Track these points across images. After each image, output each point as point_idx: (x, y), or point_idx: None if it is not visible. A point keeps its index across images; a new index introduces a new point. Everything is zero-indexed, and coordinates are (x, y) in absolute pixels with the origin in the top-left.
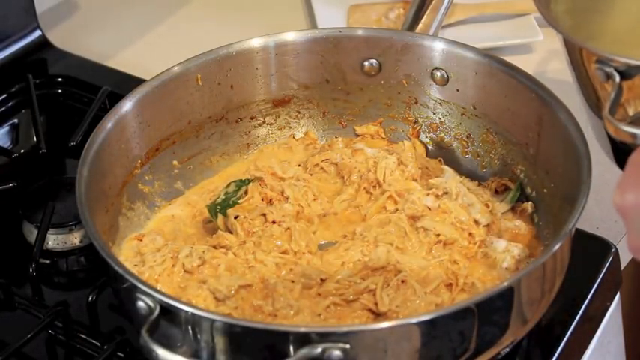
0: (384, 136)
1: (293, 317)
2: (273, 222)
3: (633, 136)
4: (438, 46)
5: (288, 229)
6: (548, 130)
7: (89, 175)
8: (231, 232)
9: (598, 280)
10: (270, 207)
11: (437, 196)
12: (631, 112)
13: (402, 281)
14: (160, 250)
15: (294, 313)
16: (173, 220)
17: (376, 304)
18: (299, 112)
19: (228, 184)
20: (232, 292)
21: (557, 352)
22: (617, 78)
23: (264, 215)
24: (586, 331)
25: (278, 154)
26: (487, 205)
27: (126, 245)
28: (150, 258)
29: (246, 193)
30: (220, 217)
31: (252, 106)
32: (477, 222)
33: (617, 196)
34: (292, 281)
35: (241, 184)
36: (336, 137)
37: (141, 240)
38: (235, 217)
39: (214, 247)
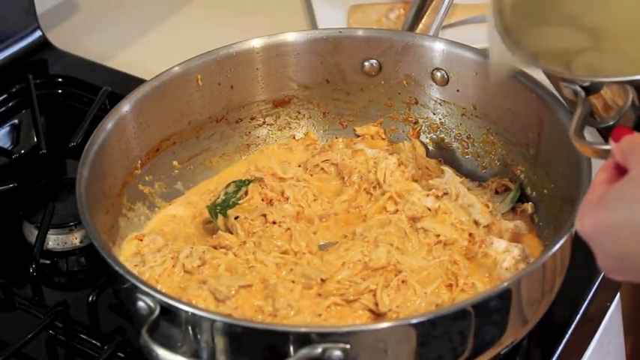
0: (384, 136)
1: (293, 317)
2: (274, 222)
3: (602, 152)
4: (439, 47)
5: (289, 229)
6: (548, 130)
7: (89, 175)
8: (231, 233)
9: (598, 281)
10: (271, 207)
11: (437, 197)
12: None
13: (403, 281)
14: (161, 250)
15: (294, 313)
16: (174, 220)
17: (376, 304)
18: (299, 113)
19: (228, 185)
20: (232, 292)
21: (557, 352)
22: (583, 94)
23: (264, 216)
24: (586, 332)
25: (278, 155)
26: (487, 206)
27: (126, 245)
28: (150, 258)
29: (246, 193)
30: (220, 217)
31: (253, 106)
32: (477, 222)
33: (577, 223)
34: (292, 281)
35: (241, 184)
36: (336, 138)
37: (141, 240)
38: (235, 218)
39: (214, 247)
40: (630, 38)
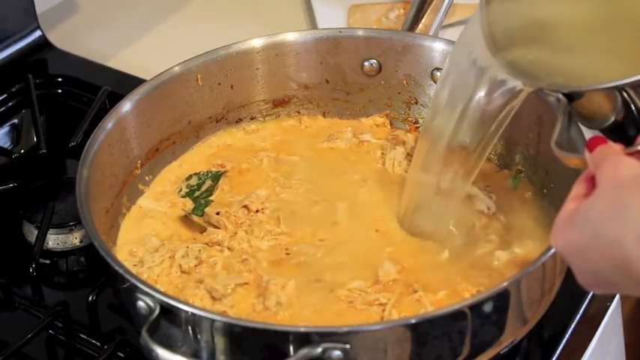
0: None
1: (282, 313)
2: (257, 211)
3: (584, 162)
4: (438, 47)
5: (274, 211)
6: (548, 130)
7: (89, 175)
8: (216, 227)
9: None
10: (249, 197)
11: None
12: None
13: (417, 300)
14: (158, 250)
15: (282, 310)
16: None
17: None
18: (299, 113)
19: (190, 177)
20: (229, 291)
21: (557, 352)
22: (565, 101)
23: (245, 207)
24: (586, 331)
25: None
26: (490, 197)
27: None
28: (148, 258)
29: (215, 187)
30: (198, 217)
31: (253, 106)
32: (482, 212)
33: (552, 240)
34: (287, 274)
35: (205, 177)
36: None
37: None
38: (217, 214)
39: (207, 244)
40: (607, 45)
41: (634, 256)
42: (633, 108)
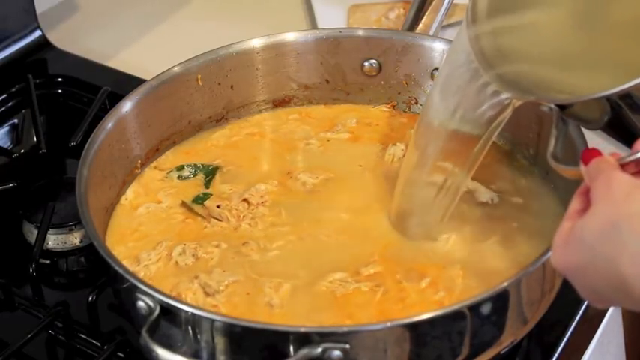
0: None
1: (270, 314)
2: (257, 204)
3: (581, 174)
4: (439, 47)
5: (275, 205)
6: (548, 130)
7: (89, 175)
8: (218, 220)
9: None
10: (248, 191)
11: None
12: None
13: (401, 290)
14: (155, 248)
15: (271, 310)
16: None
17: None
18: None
19: (181, 167)
20: (222, 288)
21: (557, 352)
22: (557, 110)
23: (245, 200)
24: (586, 331)
25: None
26: (490, 189)
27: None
28: (145, 256)
29: (210, 180)
30: (198, 207)
31: (253, 106)
32: (485, 203)
33: (551, 258)
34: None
35: (197, 170)
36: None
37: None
38: (217, 207)
39: (208, 237)
40: (592, 53)
41: (629, 275)
42: (622, 111)
